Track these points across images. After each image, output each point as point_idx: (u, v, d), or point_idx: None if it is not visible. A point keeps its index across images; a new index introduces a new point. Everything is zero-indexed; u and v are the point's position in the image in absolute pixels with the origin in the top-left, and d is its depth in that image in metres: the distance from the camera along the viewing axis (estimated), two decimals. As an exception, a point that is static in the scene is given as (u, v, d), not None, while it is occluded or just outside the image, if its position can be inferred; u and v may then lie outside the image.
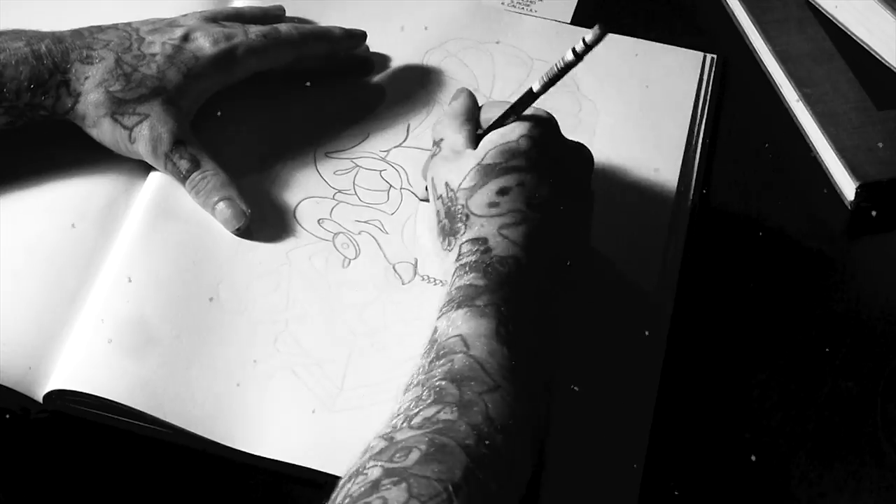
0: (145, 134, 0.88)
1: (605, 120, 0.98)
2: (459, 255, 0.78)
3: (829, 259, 0.91)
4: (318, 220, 0.89)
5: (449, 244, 0.80)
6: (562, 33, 1.04)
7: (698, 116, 0.98)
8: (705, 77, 1.01)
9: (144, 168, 0.91)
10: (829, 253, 0.91)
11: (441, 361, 0.70)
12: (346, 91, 0.99)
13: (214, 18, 0.96)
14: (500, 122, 0.82)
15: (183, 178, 0.89)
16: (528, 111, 0.82)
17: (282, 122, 0.96)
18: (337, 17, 1.03)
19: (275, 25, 0.95)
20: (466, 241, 0.78)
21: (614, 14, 1.06)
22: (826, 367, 0.84)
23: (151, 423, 0.78)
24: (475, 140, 0.83)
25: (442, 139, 0.84)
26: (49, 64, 0.87)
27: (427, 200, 0.86)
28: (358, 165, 0.93)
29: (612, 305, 0.85)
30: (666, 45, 1.03)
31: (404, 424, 0.65)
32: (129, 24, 0.93)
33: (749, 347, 0.85)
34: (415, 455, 0.62)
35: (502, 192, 0.78)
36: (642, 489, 0.77)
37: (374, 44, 1.01)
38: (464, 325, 0.72)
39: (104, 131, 0.89)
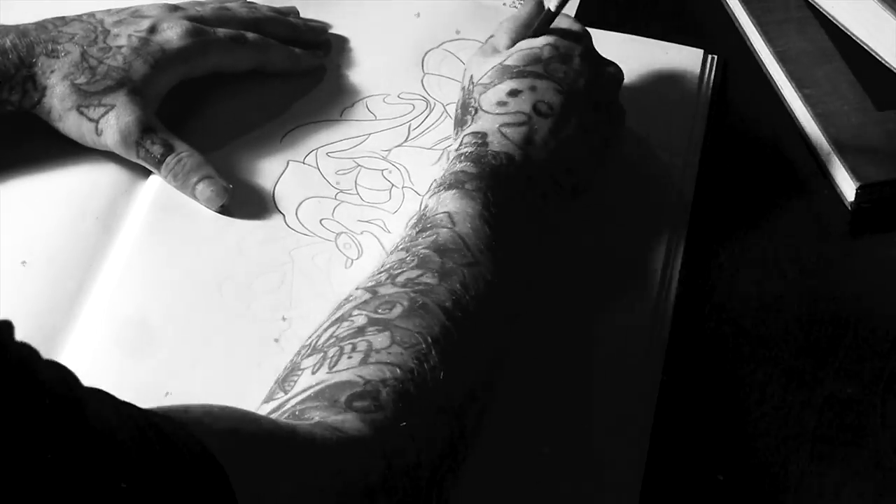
0: (112, 124, 0.88)
1: None
2: (460, 145, 0.82)
3: (829, 260, 0.91)
4: (321, 220, 0.89)
5: (456, 135, 0.85)
6: None
7: (699, 114, 0.98)
8: (706, 74, 1.01)
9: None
10: (829, 254, 0.91)
11: (427, 233, 0.75)
12: (346, 91, 0.99)
13: (176, 9, 0.95)
14: (533, 34, 0.88)
15: (158, 164, 0.88)
16: (564, 24, 0.89)
17: (280, 122, 0.96)
18: (332, 17, 1.04)
19: (241, 32, 0.95)
20: (468, 133, 0.83)
21: (615, 14, 1.06)
22: (826, 367, 0.84)
23: None
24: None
25: (492, 36, 0.90)
26: (14, 59, 0.87)
27: None
28: (360, 165, 0.93)
29: (613, 305, 0.85)
30: (665, 43, 1.03)
31: (388, 281, 0.71)
32: (92, 14, 0.92)
33: (749, 347, 0.85)
34: (398, 310, 0.69)
35: (513, 93, 0.84)
36: (642, 489, 0.77)
37: (372, 43, 1.02)
38: (451, 203, 0.77)
39: (70, 124, 0.88)
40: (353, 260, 0.87)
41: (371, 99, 0.98)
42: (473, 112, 0.84)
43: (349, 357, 0.66)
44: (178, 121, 0.94)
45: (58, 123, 0.89)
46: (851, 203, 0.93)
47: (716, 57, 1.03)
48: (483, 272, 0.73)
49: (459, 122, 0.86)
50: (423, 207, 0.78)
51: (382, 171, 0.93)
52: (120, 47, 0.89)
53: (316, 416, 0.62)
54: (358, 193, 0.91)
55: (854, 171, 0.92)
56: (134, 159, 0.89)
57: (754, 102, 1.01)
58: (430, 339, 0.67)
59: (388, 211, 0.91)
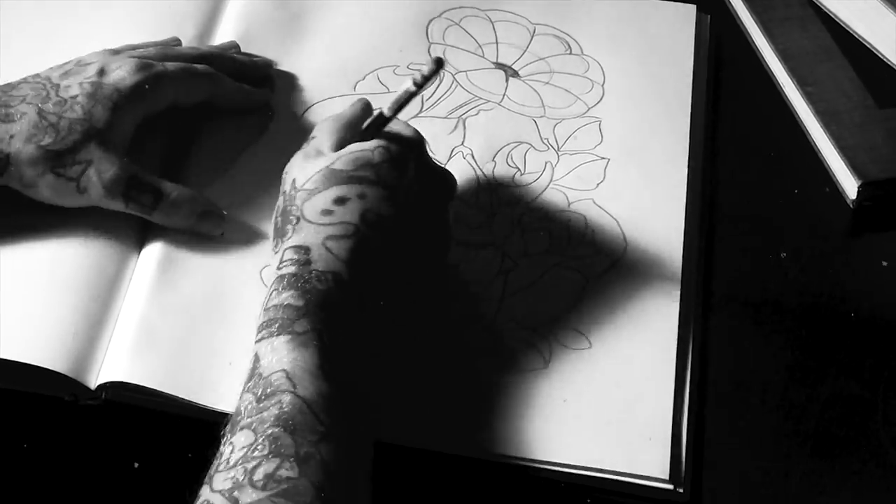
0: (94, 181, 0.83)
1: (611, 77, 0.99)
2: (280, 262, 0.75)
3: (830, 258, 0.91)
4: None
5: (276, 246, 0.77)
6: None
7: (700, 70, 1.01)
8: (701, 31, 1.03)
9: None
10: (830, 252, 0.92)
11: (271, 402, 0.67)
12: (356, 64, 0.99)
13: (118, 52, 0.92)
14: (362, 137, 0.81)
15: (150, 211, 0.85)
16: (397, 128, 0.81)
17: (294, 102, 0.96)
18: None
19: (190, 63, 0.92)
20: (289, 248, 0.75)
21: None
22: (828, 366, 0.84)
23: (208, 413, 0.79)
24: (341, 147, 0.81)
25: (314, 136, 0.82)
26: None
27: None
28: None
29: (627, 294, 0.86)
30: (657, 1, 1.05)
31: (245, 481, 0.64)
32: (37, 74, 0.88)
33: (750, 345, 0.85)
34: None
35: (339, 201, 0.76)
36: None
37: (376, 16, 1.02)
38: (287, 356, 0.69)
39: (47, 188, 0.84)
40: None
41: (381, 71, 0.99)
42: (295, 221, 0.76)
43: None
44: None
45: (32, 190, 0.84)
46: (853, 201, 0.93)
47: (709, 16, 1.05)
48: (339, 443, 0.67)
49: (279, 232, 0.77)
50: (254, 357, 0.71)
51: None
52: (74, 97, 0.85)
53: None
54: None
55: (856, 169, 0.93)
56: (122, 210, 0.85)
57: (756, 100, 1.01)
58: None
59: None
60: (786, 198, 0.94)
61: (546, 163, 0.93)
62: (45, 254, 0.85)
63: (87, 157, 0.84)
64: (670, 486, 0.77)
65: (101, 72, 0.87)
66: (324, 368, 0.69)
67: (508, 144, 0.94)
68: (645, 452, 0.78)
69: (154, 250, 0.85)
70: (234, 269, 0.85)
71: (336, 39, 1.01)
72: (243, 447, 0.65)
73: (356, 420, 0.70)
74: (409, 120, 0.94)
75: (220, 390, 0.78)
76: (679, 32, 1.02)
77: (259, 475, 0.64)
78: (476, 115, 0.96)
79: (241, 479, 0.64)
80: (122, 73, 0.87)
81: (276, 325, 0.71)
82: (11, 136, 0.83)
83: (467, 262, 0.87)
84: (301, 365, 0.69)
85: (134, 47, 0.94)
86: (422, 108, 0.96)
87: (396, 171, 0.78)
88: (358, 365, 0.73)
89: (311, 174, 0.77)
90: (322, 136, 0.81)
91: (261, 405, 0.67)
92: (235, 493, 0.63)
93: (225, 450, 0.67)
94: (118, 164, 0.84)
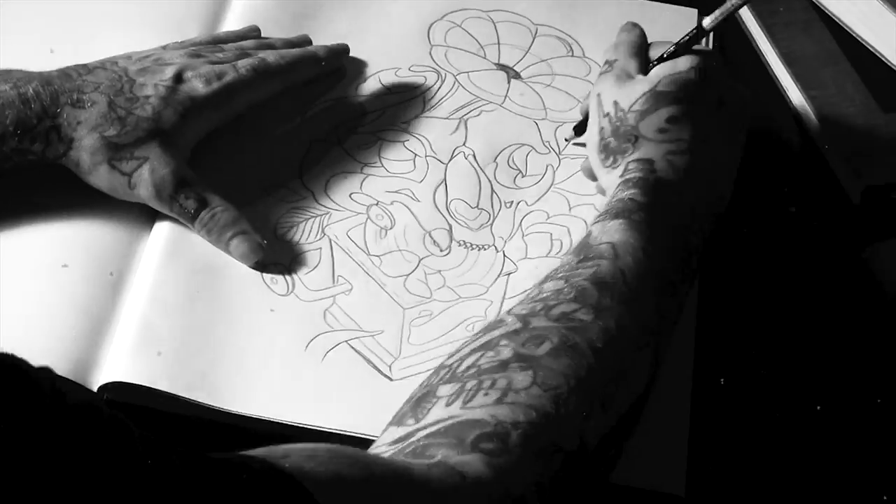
0: (146, 178, 0.85)
1: None
2: (625, 171, 0.82)
3: (835, 262, 0.91)
4: (350, 194, 0.91)
5: (614, 161, 0.84)
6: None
7: None
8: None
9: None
10: (835, 255, 0.91)
11: (589, 263, 0.74)
12: (358, 67, 0.99)
13: (195, 47, 0.94)
14: (670, 56, 0.87)
15: (192, 218, 0.86)
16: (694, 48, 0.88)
17: (298, 103, 0.96)
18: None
19: (261, 56, 0.93)
20: (634, 161, 0.82)
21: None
22: (832, 370, 0.84)
23: (210, 412, 0.79)
24: (645, 69, 0.87)
25: (616, 60, 0.89)
26: (37, 108, 0.84)
27: (581, 125, 0.92)
28: (380, 138, 0.94)
29: None
30: (660, 4, 1.06)
31: (541, 312, 0.70)
32: (114, 62, 0.90)
33: (755, 350, 0.85)
34: (546, 346, 0.68)
35: (672, 119, 0.83)
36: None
37: (378, 19, 1.03)
38: (616, 234, 0.76)
39: (101, 178, 0.86)
40: (386, 230, 0.89)
41: (383, 73, 0.99)
42: (633, 139, 0.83)
43: (485, 394, 0.66)
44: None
45: (87, 177, 0.86)
46: (857, 205, 0.93)
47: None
48: (641, 309, 0.73)
49: (615, 150, 0.84)
50: (587, 233, 0.78)
51: (403, 142, 0.94)
52: (147, 97, 0.87)
53: (439, 453, 0.63)
54: (383, 165, 0.92)
55: (860, 173, 0.93)
56: (167, 212, 0.87)
57: (760, 104, 0.99)
58: (572, 382, 0.67)
59: (415, 180, 0.92)
60: (789, 202, 0.94)
61: (547, 166, 0.93)
62: (46, 257, 0.85)
63: (144, 154, 0.85)
64: (670, 490, 0.76)
65: (178, 77, 0.89)
66: (647, 250, 0.76)
67: (510, 146, 0.94)
68: (645, 456, 0.77)
69: (155, 251, 0.86)
70: (236, 269, 0.86)
71: (338, 42, 1.00)
72: (550, 291, 0.73)
73: (661, 302, 0.75)
74: (412, 120, 0.96)
75: (223, 389, 0.79)
76: (681, 35, 1.01)
77: (556, 312, 0.71)
78: (478, 115, 0.96)
79: (538, 309, 0.71)
80: (196, 84, 0.89)
81: (613, 213, 0.78)
82: (79, 123, 0.85)
83: (467, 264, 0.87)
84: (628, 242, 0.76)
85: (215, 39, 0.96)
86: (423, 108, 0.97)
87: (711, 88, 0.85)
88: (675, 261, 0.78)
89: (636, 96, 0.85)
90: (624, 59, 0.88)
91: (579, 264, 0.75)
92: (529, 318, 0.70)
93: (532, 291, 0.74)
94: (172, 165, 0.86)
